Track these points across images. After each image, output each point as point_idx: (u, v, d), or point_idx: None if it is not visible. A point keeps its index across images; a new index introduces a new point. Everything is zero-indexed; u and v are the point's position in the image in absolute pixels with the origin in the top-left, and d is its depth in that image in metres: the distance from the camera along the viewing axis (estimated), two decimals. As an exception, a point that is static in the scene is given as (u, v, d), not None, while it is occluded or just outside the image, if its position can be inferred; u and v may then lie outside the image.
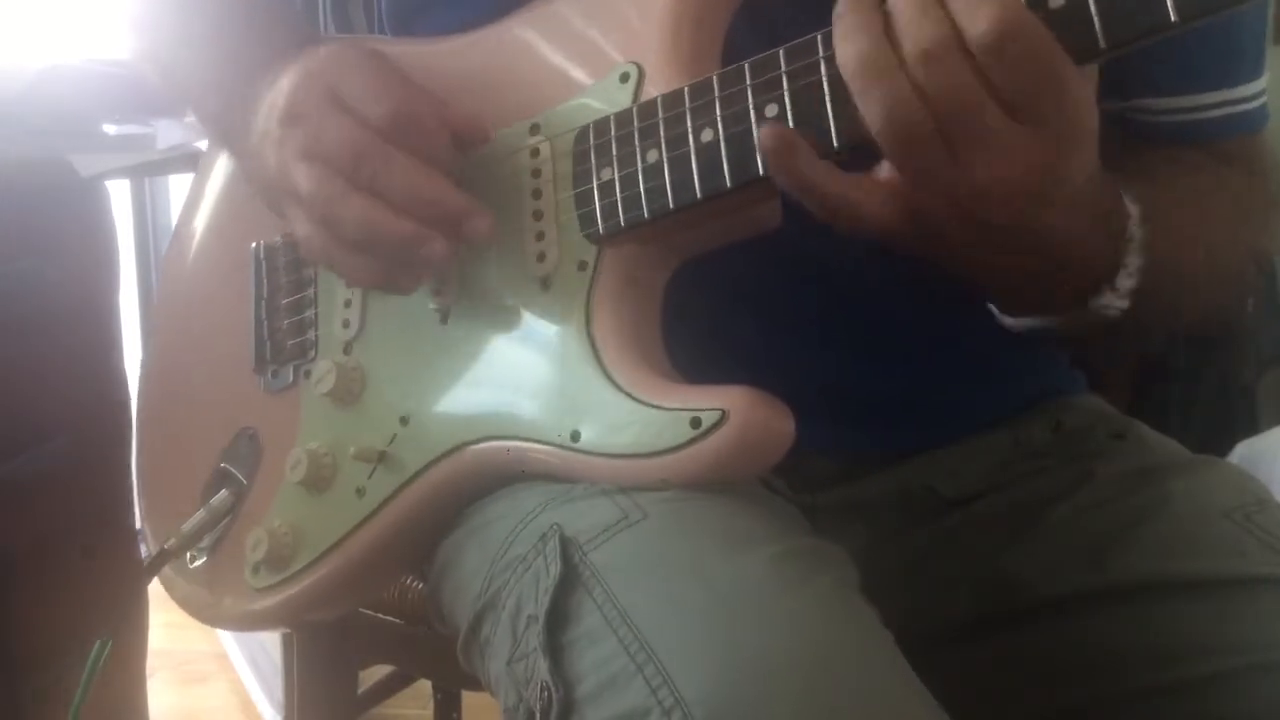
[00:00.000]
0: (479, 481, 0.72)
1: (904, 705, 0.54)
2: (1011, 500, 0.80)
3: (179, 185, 2.53)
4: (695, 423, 0.62)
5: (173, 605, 0.82)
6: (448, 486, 0.72)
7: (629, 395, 0.65)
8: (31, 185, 1.30)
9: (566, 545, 0.61)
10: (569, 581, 0.59)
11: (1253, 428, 1.95)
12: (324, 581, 0.76)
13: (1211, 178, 0.76)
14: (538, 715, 0.57)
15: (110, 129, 1.72)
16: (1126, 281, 0.66)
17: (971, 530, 0.80)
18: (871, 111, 0.57)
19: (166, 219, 2.59)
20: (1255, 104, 0.78)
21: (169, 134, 1.73)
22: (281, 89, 0.71)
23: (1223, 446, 1.65)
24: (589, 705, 0.55)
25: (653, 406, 0.64)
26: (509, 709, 0.61)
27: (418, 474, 0.73)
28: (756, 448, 0.63)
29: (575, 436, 0.67)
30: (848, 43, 0.57)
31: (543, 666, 0.57)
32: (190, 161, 1.76)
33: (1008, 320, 0.72)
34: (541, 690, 0.57)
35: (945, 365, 0.82)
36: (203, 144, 1.12)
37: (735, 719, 0.51)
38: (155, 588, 0.85)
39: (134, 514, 1.43)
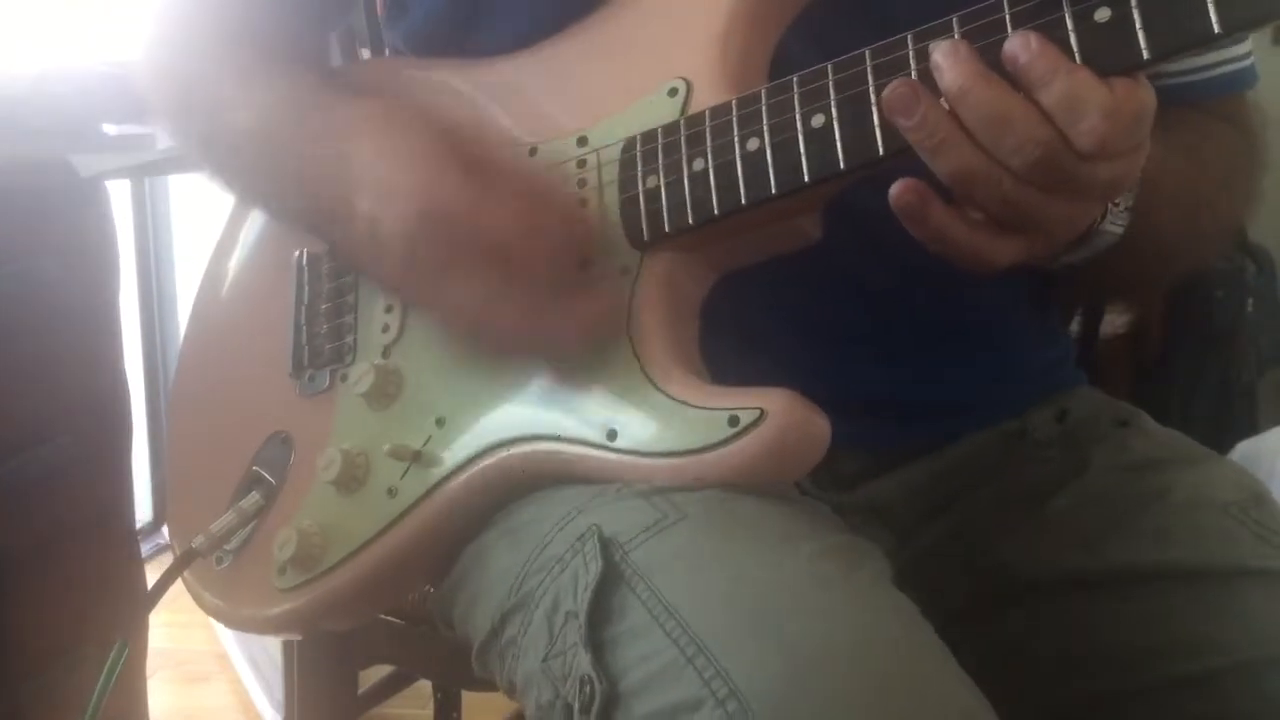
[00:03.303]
0: (512, 483, 0.71)
1: (953, 692, 0.55)
2: (1013, 487, 0.81)
3: (179, 185, 2.53)
4: (733, 421, 0.63)
5: (173, 605, 0.82)
6: (480, 488, 0.72)
7: (667, 395, 0.66)
8: (31, 185, 1.30)
9: (606, 545, 0.61)
10: (610, 579, 0.59)
11: (1253, 428, 1.95)
12: (350, 583, 0.75)
13: (1200, 130, 0.78)
14: (577, 709, 0.57)
15: (110, 129, 1.71)
16: (1126, 199, 0.67)
17: (973, 517, 0.81)
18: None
19: (166, 219, 2.59)
20: (1245, 63, 0.80)
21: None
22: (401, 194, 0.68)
23: (1223, 446, 1.65)
24: (635, 698, 0.55)
25: (691, 406, 0.65)
26: (543, 706, 0.61)
27: (451, 474, 0.73)
28: (793, 448, 0.63)
29: (612, 436, 0.67)
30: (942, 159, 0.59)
31: (584, 660, 0.57)
32: (190, 161, 1.76)
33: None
34: (582, 684, 0.57)
35: (969, 366, 0.83)
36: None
37: (793, 707, 0.51)
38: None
39: (134, 514, 1.44)
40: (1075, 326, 1.05)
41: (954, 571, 0.79)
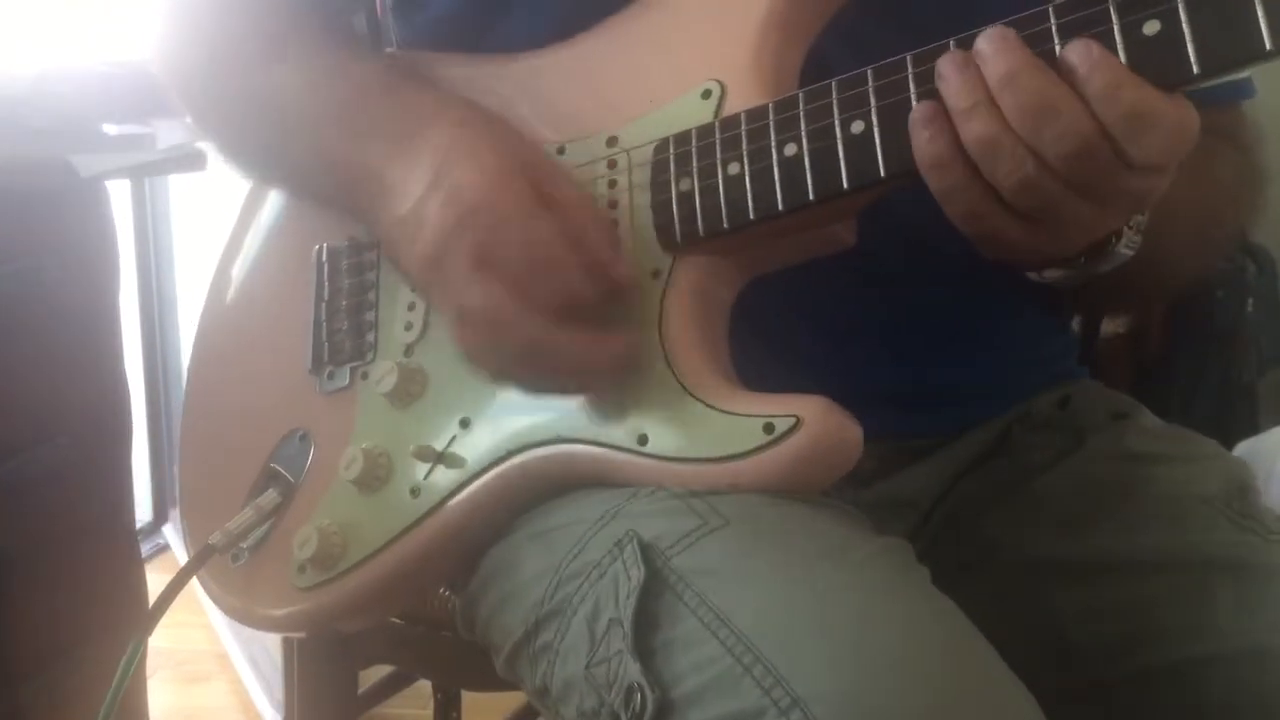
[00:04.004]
0: (539, 485, 0.71)
1: (1015, 700, 0.55)
2: (1007, 462, 0.82)
3: (179, 185, 2.53)
4: (769, 428, 0.63)
5: (173, 605, 0.82)
6: (505, 490, 0.72)
7: (700, 400, 0.66)
8: (31, 185, 1.30)
9: (647, 550, 0.60)
10: (654, 585, 0.59)
11: (1253, 428, 1.95)
12: (370, 583, 0.75)
13: (1204, 148, 0.78)
14: (626, 718, 0.57)
15: (110, 129, 1.72)
16: (1139, 222, 0.67)
17: (968, 494, 0.82)
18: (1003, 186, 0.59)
19: (166, 219, 2.59)
20: (1245, 73, 0.80)
21: (169, 134, 1.73)
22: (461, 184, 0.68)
23: (1223, 446, 1.66)
24: (690, 706, 0.55)
25: (725, 412, 0.65)
26: (585, 713, 0.61)
27: (476, 476, 0.72)
28: (828, 455, 0.64)
29: (643, 441, 0.66)
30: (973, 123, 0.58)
31: (632, 668, 0.57)
32: (190, 161, 1.76)
33: (1032, 275, 0.73)
34: (630, 692, 0.56)
35: (982, 362, 0.84)
36: (205, 143, 1.11)
37: (861, 715, 0.51)
38: (151, 588, 0.84)
39: (134, 514, 1.44)
40: (1075, 326, 1.05)
41: (949, 557, 0.79)
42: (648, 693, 0.56)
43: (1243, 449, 1.69)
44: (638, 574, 0.59)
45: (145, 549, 1.93)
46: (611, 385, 0.68)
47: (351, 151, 0.74)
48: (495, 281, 0.66)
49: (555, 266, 0.66)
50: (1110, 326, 1.67)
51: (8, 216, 1.24)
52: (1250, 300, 2.04)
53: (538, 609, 0.66)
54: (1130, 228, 0.66)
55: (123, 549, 1.39)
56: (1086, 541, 0.74)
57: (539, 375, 0.69)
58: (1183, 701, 0.67)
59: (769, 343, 0.73)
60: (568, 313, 0.66)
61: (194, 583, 0.83)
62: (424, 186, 0.69)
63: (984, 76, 0.58)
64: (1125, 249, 0.67)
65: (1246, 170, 0.82)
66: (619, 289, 0.68)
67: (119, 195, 2.32)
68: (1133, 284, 0.73)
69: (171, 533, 2.40)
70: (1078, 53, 0.56)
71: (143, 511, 2.38)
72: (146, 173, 2.27)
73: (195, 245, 2.46)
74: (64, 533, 1.30)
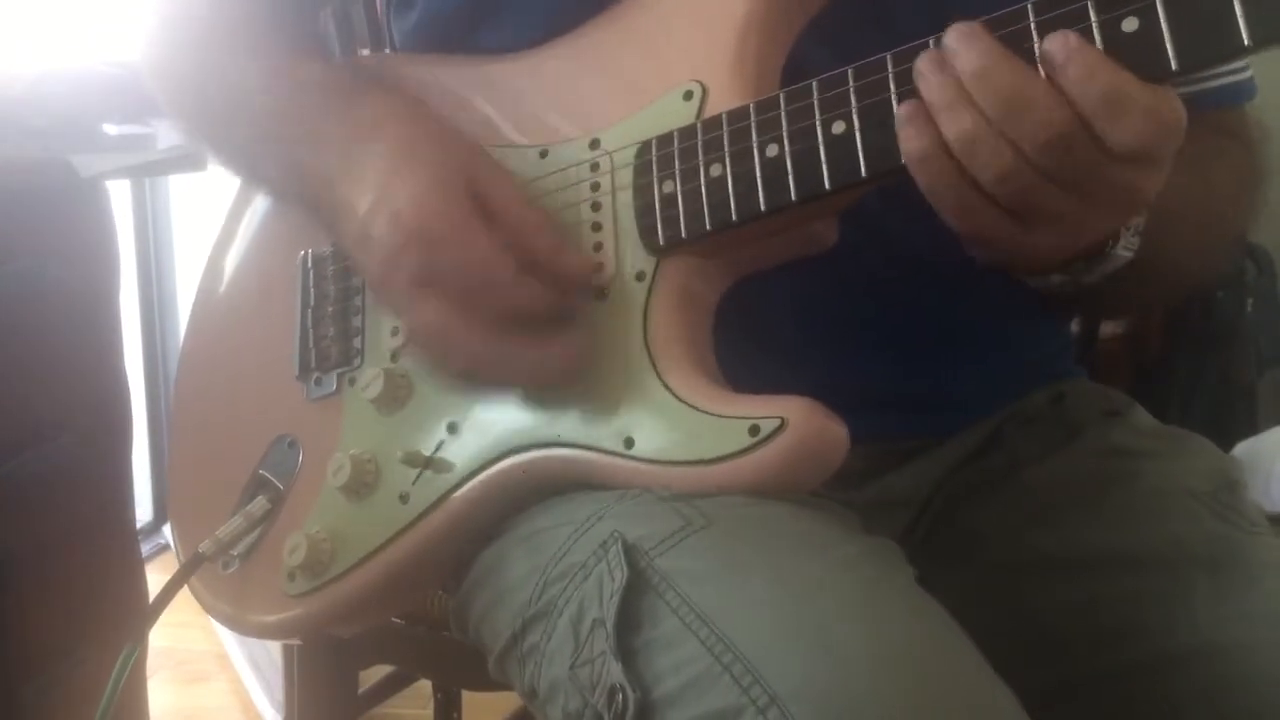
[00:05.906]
0: (526, 490, 0.71)
1: (994, 698, 0.55)
2: (995, 457, 0.82)
3: (179, 185, 2.53)
4: (754, 430, 0.63)
5: (173, 605, 0.82)
6: (494, 494, 0.72)
7: (686, 403, 0.66)
8: (31, 185, 1.30)
9: (630, 551, 0.61)
10: (637, 586, 0.59)
11: (1253, 428, 1.95)
12: (361, 589, 0.75)
13: (1207, 147, 0.78)
14: (607, 718, 0.57)
15: (110, 129, 1.72)
16: (1137, 223, 0.67)
17: (958, 490, 0.82)
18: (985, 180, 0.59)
19: (166, 219, 2.59)
20: (1244, 75, 0.81)
21: (169, 134, 1.73)
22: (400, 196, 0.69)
23: (1222, 446, 1.65)
24: (670, 707, 0.55)
25: (710, 414, 0.65)
26: (570, 714, 0.61)
27: (464, 480, 0.72)
28: (815, 456, 0.64)
29: (629, 444, 0.67)
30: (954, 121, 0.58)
31: (615, 669, 0.57)
32: (190, 161, 1.76)
33: (1035, 282, 0.73)
34: (613, 693, 0.57)
35: (976, 361, 0.84)
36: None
37: (839, 712, 0.51)
38: (152, 588, 0.84)
39: (134, 514, 1.44)
40: (1075, 326, 1.05)
41: (938, 552, 0.79)
42: (629, 693, 0.56)
43: (1242, 449, 1.69)
44: (621, 575, 0.60)
45: (145, 549, 1.93)
46: (569, 382, 0.69)
47: (290, 163, 0.76)
48: (437, 299, 0.68)
49: (494, 283, 0.67)
50: (1109, 328, 1.67)
51: (8, 216, 1.24)
52: (1249, 300, 2.05)
53: (525, 611, 0.66)
54: (1127, 229, 0.66)
55: (123, 548, 1.39)
56: (1069, 536, 0.75)
57: (491, 384, 0.71)
58: (1158, 696, 0.67)
59: (758, 343, 0.73)
60: (517, 324, 0.68)
61: (193, 584, 0.83)
62: (368, 207, 0.70)
63: (957, 73, 0.58)
64: (1123, 251, 0.67)
65: (1251, 168, 0.82)
66: (572, 283, 0.69)
67: (119, 195, 2.33)
68: (1137, 288, 0.73)
69: (171, 533, 2.40)
70: (1056, 43, 0.57)
71: (143, 511, 2.37)
72: (146, 173, 2.27)
73: (195, 245, 2.46)
74: (65, 532, 1.30)
